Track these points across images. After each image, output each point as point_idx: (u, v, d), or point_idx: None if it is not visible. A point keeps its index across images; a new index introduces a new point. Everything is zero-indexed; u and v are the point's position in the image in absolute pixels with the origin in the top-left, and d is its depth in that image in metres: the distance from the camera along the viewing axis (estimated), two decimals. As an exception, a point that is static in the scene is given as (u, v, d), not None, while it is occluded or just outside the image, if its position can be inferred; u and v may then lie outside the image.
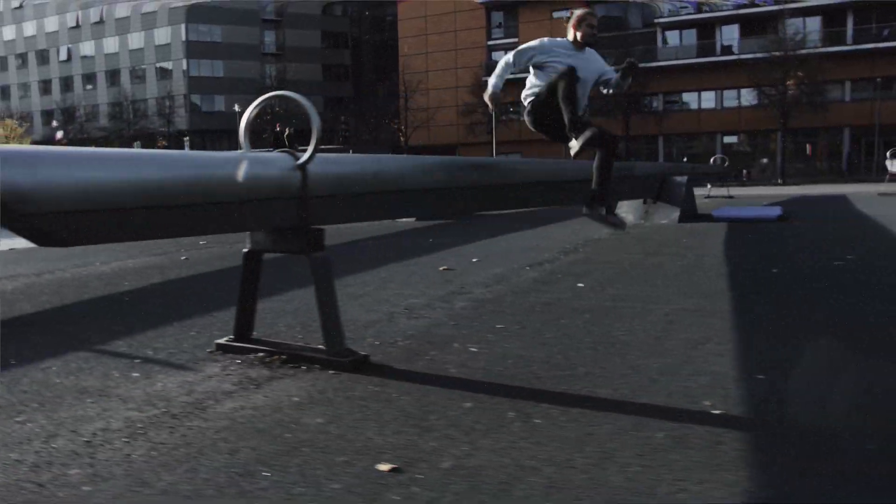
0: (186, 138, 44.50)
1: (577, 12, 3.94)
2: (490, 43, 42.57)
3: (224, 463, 1.68)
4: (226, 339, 2.74)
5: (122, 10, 46.90)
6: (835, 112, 34.79)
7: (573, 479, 1.53)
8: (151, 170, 2.03)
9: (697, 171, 13.44)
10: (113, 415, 2.04)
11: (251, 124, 2.56)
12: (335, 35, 51.76)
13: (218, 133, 44.98)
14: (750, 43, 35.80)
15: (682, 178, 9.13)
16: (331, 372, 2.41)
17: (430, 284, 4.21)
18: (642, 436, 1.78)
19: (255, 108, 2.55)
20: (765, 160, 35.82)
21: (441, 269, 4.86)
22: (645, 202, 8.90)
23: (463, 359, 2.55)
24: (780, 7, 35.32)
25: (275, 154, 2.47)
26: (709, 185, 18.43)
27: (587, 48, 3.90)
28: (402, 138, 41.29)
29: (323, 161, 2.57)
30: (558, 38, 3.87)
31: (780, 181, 31.75)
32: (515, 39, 41.42)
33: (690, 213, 9.15)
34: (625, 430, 1.82)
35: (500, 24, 42.43)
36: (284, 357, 2.56)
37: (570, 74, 3.54)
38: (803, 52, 33.10)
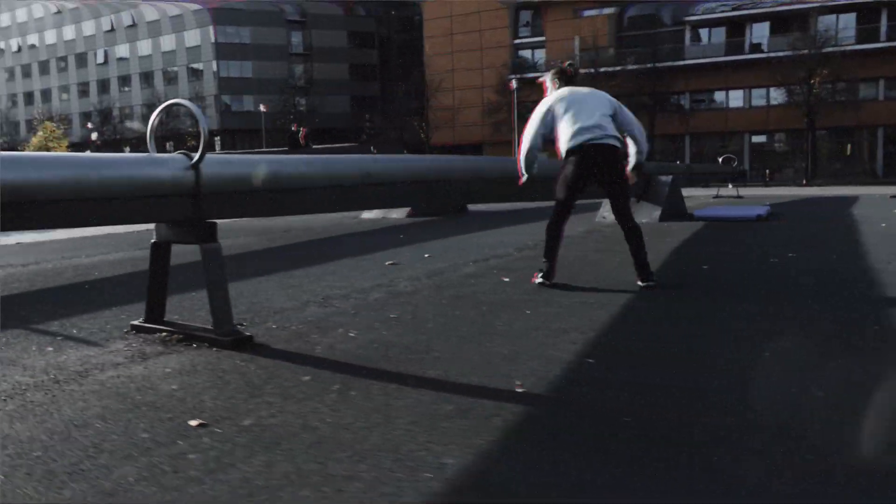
0: (217, 138, 45.76)
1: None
2: (516, 42, 42.64)
3: (71, 417, 1.99)
4: (138, 320, 3.08)
5: (151, 14, 48.45)
6: (868, 111, 33.92)
7: (339, 437, 1.79)
8: (33, 171, 2.36)
9: (693, 171, 13.42)
10: (6, 379, 2.39)
11: (155, 129, 2.88)
12: (362, 35, 52.53)
13: (248, 132, 46.19)
14: (779, 41, 35.14)
15: (667, 178, 9.22)
16: (214, 349, 2.73)
17: (365, 278, 4.50)
18: (432, 407, 2.03)
19: (156, 115, 2.87)
20: (803, 164, 35.04)
21: (387, 263, 5.15)
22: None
23: (336, 342, 2.84)
24: (812, 5, 34.55)
25: (171, 155, 2.79)
26: (730, 185, 18.30)
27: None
28: (423, 137, 41.70)
29: (217, 162, 2.88)
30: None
31: (804, 182, 31.08)
32: (542, 38, 41.41)
33: (675, 212, 9.25)
34: (422, 402, 2.08)
35: (528, 22, 42.45)
36: (181, 336, 2.88)
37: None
38: (832, 49, 32.37)
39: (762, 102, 36.61)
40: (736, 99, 37.16)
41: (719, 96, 37.70)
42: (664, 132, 37.72)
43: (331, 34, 50.23)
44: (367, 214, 10.32)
